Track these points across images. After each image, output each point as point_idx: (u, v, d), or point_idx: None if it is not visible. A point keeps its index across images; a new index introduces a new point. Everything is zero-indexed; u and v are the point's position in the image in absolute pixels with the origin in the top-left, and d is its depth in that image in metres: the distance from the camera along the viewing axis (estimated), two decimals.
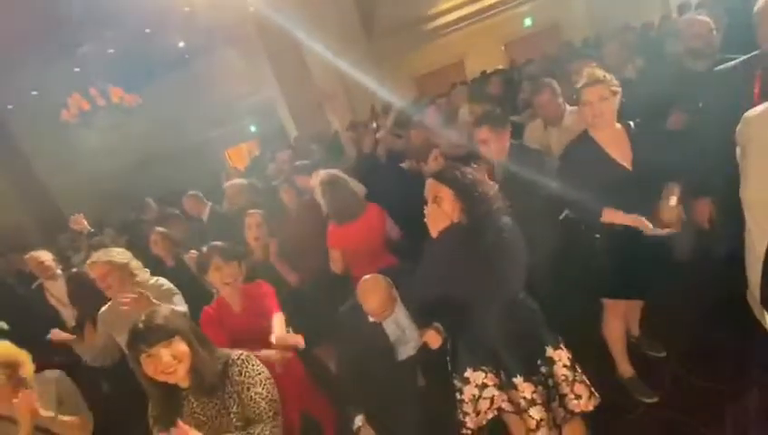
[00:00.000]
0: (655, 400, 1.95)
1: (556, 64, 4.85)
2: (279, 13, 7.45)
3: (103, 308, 2.13)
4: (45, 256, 3.01)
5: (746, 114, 1.23)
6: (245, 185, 3.34)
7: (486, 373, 1.52)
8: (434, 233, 1.45)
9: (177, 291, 2.15)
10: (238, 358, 1.29)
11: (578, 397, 1.46)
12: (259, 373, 1.29)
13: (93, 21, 6.67)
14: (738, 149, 1.34)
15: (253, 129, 10.71)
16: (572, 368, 1.49)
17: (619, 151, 1.74)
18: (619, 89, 1.75)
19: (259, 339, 1.82)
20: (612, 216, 1.70)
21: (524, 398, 1.45)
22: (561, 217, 2.11)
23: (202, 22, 7.64)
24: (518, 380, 1.47)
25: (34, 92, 7.94)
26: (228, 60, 9.27)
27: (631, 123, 1.79)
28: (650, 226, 1.61)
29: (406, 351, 1.83)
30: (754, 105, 1.52)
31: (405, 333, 1.81)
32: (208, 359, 1.26)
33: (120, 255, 2.07)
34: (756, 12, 1.67)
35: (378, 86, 8.50)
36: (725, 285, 1.70)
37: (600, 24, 7.77)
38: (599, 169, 1.72)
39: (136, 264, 2.11)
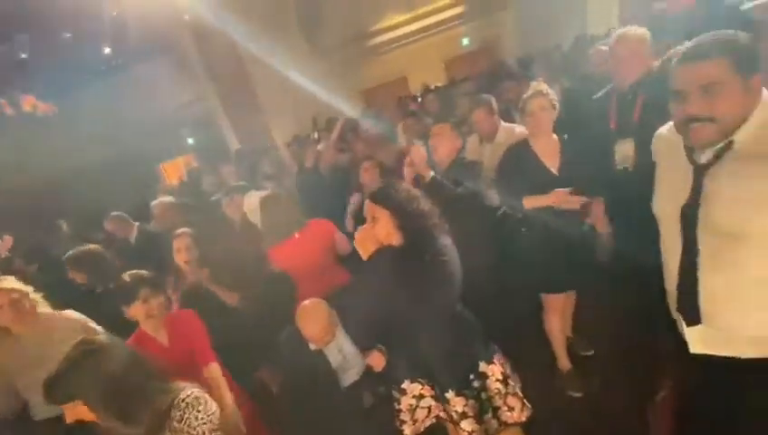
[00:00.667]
0: (579, 395, 2.13)
1: (490, 82, 5.16)
2: (217, 22, 7.24)
3: None
4: None
5: (657, 131, 1.30)
6: (173, 203, 3.13)
7: (423, 385, 1.54)
8: (364, 256, 1.44)
9: (88, 319, 1.94)
10: (183, 400, 1.16)
11: (511, 409, 1.50)
12: (203, 422, 1.15)
13: (2, 23, 6.02)
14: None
15: (190, 141, 10.16)
16: (505, 382, 1.53)
17: (551, 159, 1.97)
18: (557, 103, 1.98)
19: (189, 373, 1.68)
20: (533, 201, 1.92)
21: (456, 411, 1.48)
22: (498, 214, 2.26)
23: (132, 27, 7.18)
24: (450, 394, 1.50)
25: None
26: (163, 68, 8.76)
27: (565, 136, 2.03)
28: (568, 197, 1.83)
29: (349, 377, 1.79)
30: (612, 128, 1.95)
31: (347, 359, 1.78)
32: (143, 403, 1.14)
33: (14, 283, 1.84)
34: (609, 48, 2.01)
35: (323, 98, 8.50)
36: (644, 287, 1.87)
37: (530, 43, 8.40)
38: (531, 171, 1.95)
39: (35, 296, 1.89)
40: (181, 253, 2.22)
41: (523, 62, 6.15)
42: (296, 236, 2.22)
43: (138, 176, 9.14)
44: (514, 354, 1.71)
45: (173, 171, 10.80)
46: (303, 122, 8.29)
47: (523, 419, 1.51)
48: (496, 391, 1.50)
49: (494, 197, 2.29)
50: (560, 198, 1.84)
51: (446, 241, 1.46)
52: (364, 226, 1.47)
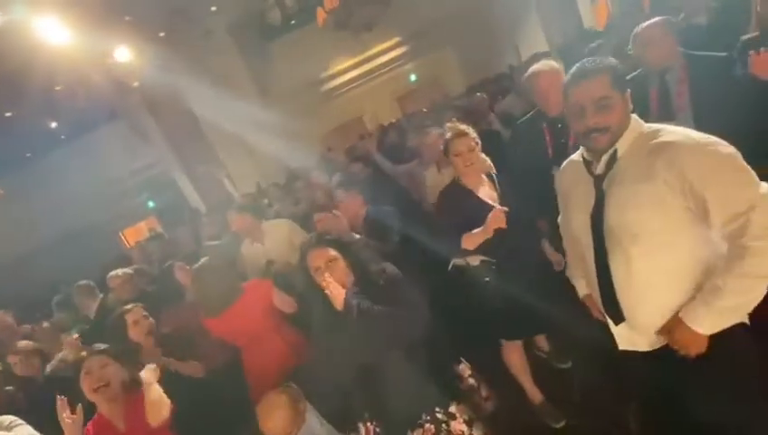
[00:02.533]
0: (562, 424, 2.06)
1: (435, 114, 5.42)
2: (168, 85, 7.30)
3: None
4: None
5: (561, 166, 1.48)
6: (130, 274, 3.00)
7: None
8: (339, 306, 1.40)
9: (21, 422, 1.80)
10: None
11: None
12: None
13: None
14: None
15: (151, 204, 9.92)
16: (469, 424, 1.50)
17: (487, 193, 1.93)
18: (479, 141, 1.95)
19: None
20: (471, 238, 1.80)
21: None
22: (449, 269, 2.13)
23: (79, 98, 7.11)
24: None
25: None
26: (115, 135, 8.65)
27: (494, 171, 2.05)
28: (501, 215, 1.74)
29: None
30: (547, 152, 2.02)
31: None
32: None
33: None
34: (528, 76, 2.12)
35: (281, 148, 8.58)
36: None
37: (472, 75, 8.95)
38: (470, 211, 1.85)
39: None
40: (133, 328, 2.11)
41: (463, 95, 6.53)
42: (233, 306, 2.07)
43: (96, 247, 8.78)
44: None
45: (134, 237, 10.44)
46: (266, 171, 8.32)
47: None
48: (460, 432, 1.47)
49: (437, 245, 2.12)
50: (498, 218, 1.74)
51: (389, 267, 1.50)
52: (326, 279, 1.42)
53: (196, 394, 2.01)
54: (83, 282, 3.44)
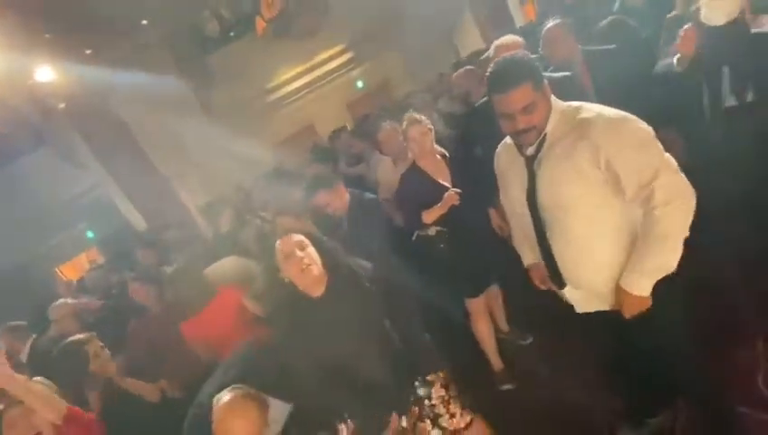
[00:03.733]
0: (510, 386, 2.31)
1: (387, 116, 5.53)
2: (98, 104, 6.85)
3: None
4: None
5: (497, 149, 1.60)
6: (73, 305, 2.77)
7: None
8: (318, 291, 1.45)
9: None
10: None
11: (452, 416, 1.53)
12: None
13: None
14: None
15: (90, 235, 9.20)
16: (447, 388, 1.57)
17: (441, 175, 2.15)
18: (432, 127, 2.19)
19: None
20: (430, 214, 2.07)
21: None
22: (413, 238, 2.32)
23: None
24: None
25: None
26: (43, 162, 7.95)
27: (446, 153, 2.23)
28: (455, 196, 2.01)
29: None
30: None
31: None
32: None
33: None
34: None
35: (231, 162, 8.31)
36: None
37: (416, 77, 9.19)
38: (427, 189, 2.10)
39: None
40: (99, 357, 1.98)
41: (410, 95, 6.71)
42: (207, 307, 2.13)
43: (29, 287, 7.98)
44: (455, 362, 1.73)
45: (73, 272, 9.60)
46: (214, 186, 8.00)
47: (463, 425, 1.53)
48: (439, 399, 1.51)
49: (398, 220, 2.40)
50: (452, 198, 2.03)
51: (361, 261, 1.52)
52: (302, 266, 1.40)
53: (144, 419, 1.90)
54: (13, 323, 3.13)
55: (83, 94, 6.51)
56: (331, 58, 10.00)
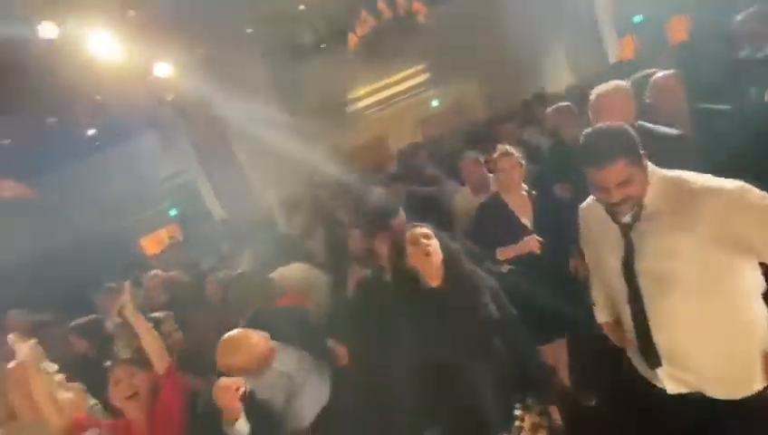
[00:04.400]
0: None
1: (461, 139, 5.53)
2: (200, 99, 7.60)
3: None
4: None
5: (581, 206, 1.52)
6: (165, 278, 3.08)
7: None
8: (435, 282, 1.51)
9: None
10: None
11: None
12: None
13: None
14: None
15: (172, 213, 10.14)
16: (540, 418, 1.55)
17: (524, 212, 2.10)
18: (524, 161, 2.15)
19: None
20: (505, 252, 2.01)
21: None
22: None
23: (116, 108, 7.44)
24: None
25: None
26: (146, 145, 8.97)
27: (533, 192, 2.17)
28: (537, 244, 1.91)
29: (311, 406, 1.67)
30: None
31: (295, 378, 1.66)
32: None
33: None
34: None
35: (305, 165, 8.75)
36: None
37: (494, 102, 9.11)
38: (506, 224, 2.07)
39: None
40: (170, 338, 2.18)
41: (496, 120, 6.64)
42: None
43: (116, 254, 8.96)
44: None
45: (154, 245, 10.63)
46: (288, 187, 8.47)
47: None
48: (531, 426, 1.52)
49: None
50: (534, 245, 1.94)
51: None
52: (427, 251, 1.47)
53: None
54: (110, 284, 3.55)
55: (189, 89, 7.29)
56: (410, 77, 10.25)
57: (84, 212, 8.35)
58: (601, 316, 1.58)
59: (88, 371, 2.21)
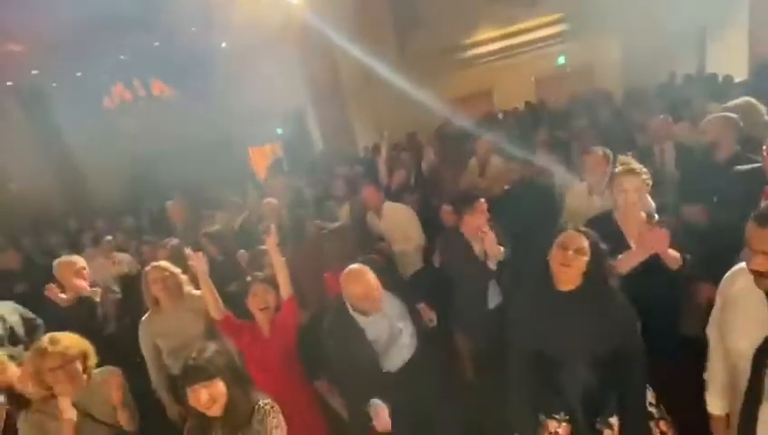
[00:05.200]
0: None
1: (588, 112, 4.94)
2: (321, 21, 7.71)
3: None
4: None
5: (731, 271, 1.35)
6: (275, 205, 3.48)
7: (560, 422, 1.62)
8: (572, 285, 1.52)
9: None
10: (264, 406, 1.44)
11: None
12: (276, 426, 1.43)
13: (145, 13, 6.99)
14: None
15: (279, 131, 10.94)
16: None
17: (636, 236, 1.85)
18: (651, 182, 1.89)
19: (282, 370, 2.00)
20: (623, 263, 1.80)
21: None
22: None
23: (246, 26, 7.93)
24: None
25: (78, 74, 8.27)
26: (265, 64, 9.50)
27: (656, 216, 1.86)
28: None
29: (400, 354, 1.89)
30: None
31: (395, 326, 1.88)
32: (241, 400, 1.41)
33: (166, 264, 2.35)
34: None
35: (408, 106, 8.65)
36: None
37: (633, 73, 7.87)
38: (611, 243, 1.79)
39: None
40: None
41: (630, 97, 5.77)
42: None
43: (231, 156, 10.13)
44: None
45: (259, 157, 11.75)
46: (386, 128, 8.56)
47: None
48: None
49: None
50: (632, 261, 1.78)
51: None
52: (567, 263, 1.49)
53: None
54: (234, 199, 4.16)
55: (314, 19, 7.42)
56: (539, 26, 9.17)
57: (209, 116, 9.40)
58: (715, 406, 1.41)
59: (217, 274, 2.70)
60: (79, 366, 1.68)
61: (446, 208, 2.80)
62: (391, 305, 1.94)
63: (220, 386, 1.37)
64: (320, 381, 2.42)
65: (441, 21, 8.91)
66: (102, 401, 1.72)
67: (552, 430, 1.61)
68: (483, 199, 2.43)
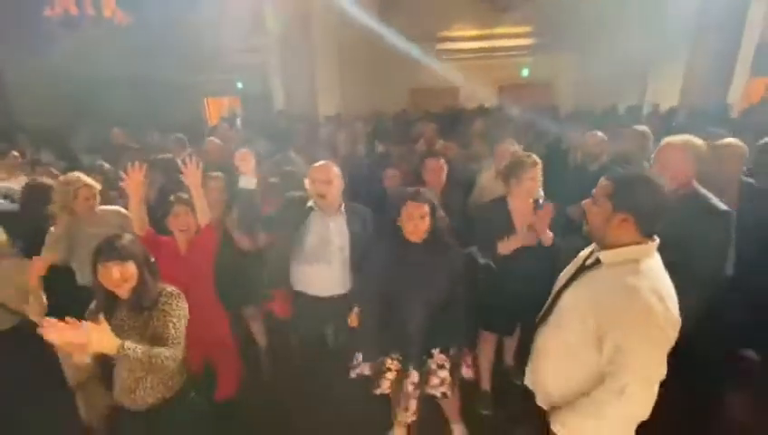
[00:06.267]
0: (488, 413, 2.44)
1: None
2: None
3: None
4: None
5: None
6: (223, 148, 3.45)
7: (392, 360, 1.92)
8: (417, 239, 1.81)
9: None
10: (171, 291, 1.53)
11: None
12: (181, 309, 1.52)
13: None
14: None
15: (239, 85, 10.49)
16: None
17: (521, 217, 2.16)
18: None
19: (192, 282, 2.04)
20: (504, 246, 2.08)
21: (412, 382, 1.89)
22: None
23: None
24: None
25: None
26: (235, 10, 9.02)
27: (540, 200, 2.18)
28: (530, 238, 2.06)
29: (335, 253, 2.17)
30: None
31: (332, 240, 2.14)
32: (151, 284, 1.50)
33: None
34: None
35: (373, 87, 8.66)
36: None
37: (586, 96, 8.47)
38: (500, 224, 2.14)
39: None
40: (212, 193, 2.46)
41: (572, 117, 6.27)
42: None
43: (184, 101, 9.56)
44: None
45: (215, 108, 11.22)
46: (349, 101, 8.53)
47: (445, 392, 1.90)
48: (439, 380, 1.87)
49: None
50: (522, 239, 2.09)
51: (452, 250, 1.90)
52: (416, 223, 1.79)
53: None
54: (178, 135, 4.07)
55: None
56: (511, 36, 9.54)
57: (167, 52, 8.74)
58: None
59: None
60: None
61: (390, 173, 2.96)
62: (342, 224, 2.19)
63: (132, 268, 1.44)
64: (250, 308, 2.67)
65: (422, 7, 8.97)
66: (12, 286, 1.70)
67: (388, 366, 1.91)
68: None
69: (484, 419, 2.41)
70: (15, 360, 1.70)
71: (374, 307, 1.90)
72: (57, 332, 1.16)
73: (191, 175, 2.03)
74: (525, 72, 10.29)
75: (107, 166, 3.29)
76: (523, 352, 2.39)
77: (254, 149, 2.79)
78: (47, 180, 2.59)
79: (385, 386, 1.92)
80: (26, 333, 1.69)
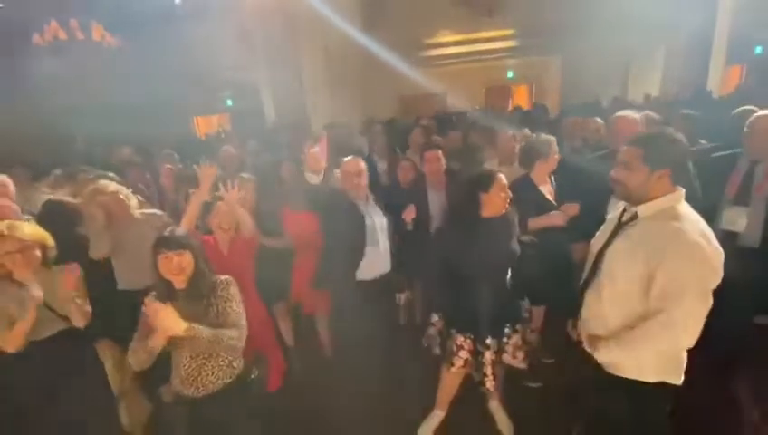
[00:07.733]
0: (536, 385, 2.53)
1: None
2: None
3: None
4: None
5: None
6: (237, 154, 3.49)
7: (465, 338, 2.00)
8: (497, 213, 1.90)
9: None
10: (225, 279, 1.62)
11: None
12: (238, 295, 1.60)
13: None
14: None
15: (229, 102, 10.55)
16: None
17: (547, 189, 2.40)
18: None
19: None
20: (535, 222, 2.27)
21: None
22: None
23: None
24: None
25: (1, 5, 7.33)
26: (223, 29, 9.13)
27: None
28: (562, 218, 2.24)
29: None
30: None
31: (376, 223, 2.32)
32: (206, 274, 1.57)
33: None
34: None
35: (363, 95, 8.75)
36: None
37: (569, 92, 8.74)
38: (533, 199, 2.33)
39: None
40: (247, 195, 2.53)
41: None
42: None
43: (173, 121, 9.55)
44: None
45: (204, 125, 11.22)
46: (340, 112, 8.62)
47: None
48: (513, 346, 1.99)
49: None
50: (559, 218, 2.25)
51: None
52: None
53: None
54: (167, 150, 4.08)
55: None
56: (494, 39, 9.81)
57: (156, 74, 8.78)
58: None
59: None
60: (38, 253, 1.71)
61: (404, 165, 3.03)
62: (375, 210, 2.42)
63: (189, 258, 1.51)
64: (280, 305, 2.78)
65: (406, 17, 9.18)
66: (60, 293, 1.74)
67: (459, 344, 1.98)
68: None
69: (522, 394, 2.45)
70: (62, 365, 1.69)
71: (455, 284, 1.94)
72: (154, 310, 1.36)
73: (232, 197, 2.14)
74: (510, 74, 10.58)
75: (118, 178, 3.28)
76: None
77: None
78: (67, 199, 2.58)
79: (458, 364, 1.99)
80: (73, 339, 1.72)
